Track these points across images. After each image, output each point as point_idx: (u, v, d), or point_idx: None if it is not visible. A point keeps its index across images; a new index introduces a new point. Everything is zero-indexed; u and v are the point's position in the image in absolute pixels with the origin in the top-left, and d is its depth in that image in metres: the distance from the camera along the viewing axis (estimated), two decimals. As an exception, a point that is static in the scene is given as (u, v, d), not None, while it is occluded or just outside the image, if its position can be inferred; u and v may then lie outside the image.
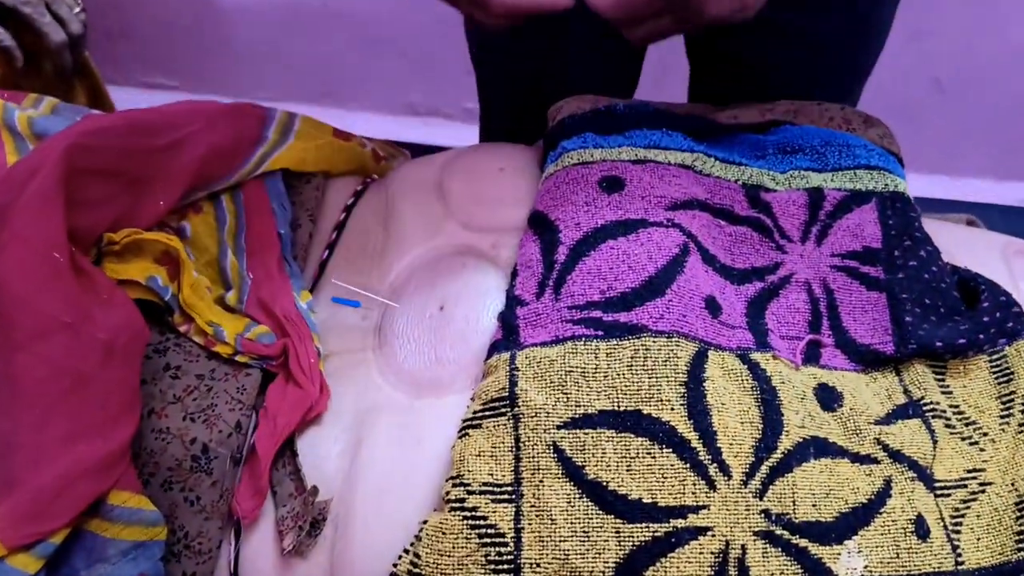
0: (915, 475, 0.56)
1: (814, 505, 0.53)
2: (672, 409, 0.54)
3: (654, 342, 0.55)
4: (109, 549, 0.53)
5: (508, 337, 0.58)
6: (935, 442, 0.58)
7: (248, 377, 0.59)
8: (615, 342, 0.56)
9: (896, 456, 0.56)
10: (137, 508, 0.54)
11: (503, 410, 0.55)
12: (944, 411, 0.60)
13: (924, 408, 0.59)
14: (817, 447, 0.55)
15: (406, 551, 0.53)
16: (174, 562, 0.56)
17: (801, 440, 0.55)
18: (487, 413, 0.55)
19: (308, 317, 0.62)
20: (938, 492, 0.57)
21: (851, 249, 0.64)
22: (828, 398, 0.58)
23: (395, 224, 0.69)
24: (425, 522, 0.53)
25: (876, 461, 0.56)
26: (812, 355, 0.60)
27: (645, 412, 0.53)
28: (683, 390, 0.54)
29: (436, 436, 0.57)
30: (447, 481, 0.54)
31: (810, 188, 0.67)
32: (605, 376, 0.55)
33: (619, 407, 0.54)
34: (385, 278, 0.66)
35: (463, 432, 0.55)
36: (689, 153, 0.66)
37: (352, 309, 0.65)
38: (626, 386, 0.54)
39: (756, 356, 0.58)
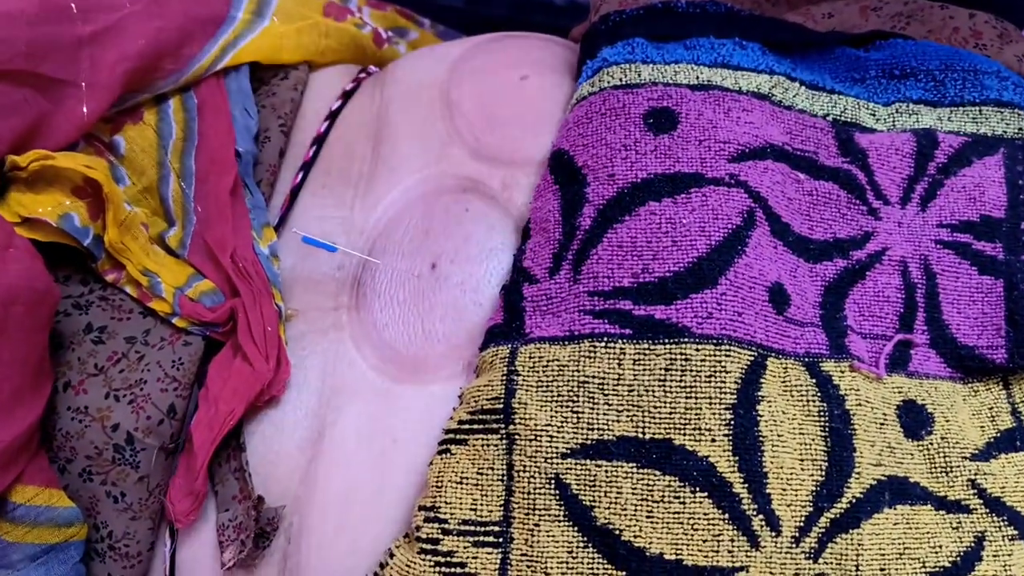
0: (1016, 532, 0.44)
1: (883, 570, 0.42)
2: (713, 440, 0.42)
3: (696, 350, 0.43)
4: (12, 555, 0.44)
5: (510, 323, 0.46)
6: (1047, 486, 0.46)
7: (187, 347, 0.48)
8: (646, 346, 0.43)
9: (993, 504, 0.44)
10: (47, 506, 0.45)
11: (495, 426, 0.43)
12: (1062, 441, 0.47)
13: (1035, 436, 0.47)
14: (895, 491, 0.43)
15: (367, 587, 0.43)
16: (98, 562, 0.47)
17: (875, 483, 0.43)
18: (476, 426, 0.43)
19: (269, 266, 0.50)
20: (1044, 553, 0.45)
21: (965, 218, 0.50)
22: (915, 422, 0.46)
23: (387, 143, 0.55)
24: (391, 555, 0.43)
25: (968, 510, 0.44)
26: (900, 359, 0.47)
27: (677, 443, 0.41)
28: (729, 416, 0.42)
29: (415, 436, 0.46)
30: (419, 511, 0.43)
31: (920, 129, 0.51)
32: (630, 391, 0.42)
33: (643, 434, 0.42)
34: (369, 214, 0.53)
35: (444, 447, 0.44)
36: (768, 76, 0.51)
37: (327, 254, 0.52)
38: (655, 407, 0.42)
39: (828, 367, 0.45)
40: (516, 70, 0.55)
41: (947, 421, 0.46)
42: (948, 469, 0.45)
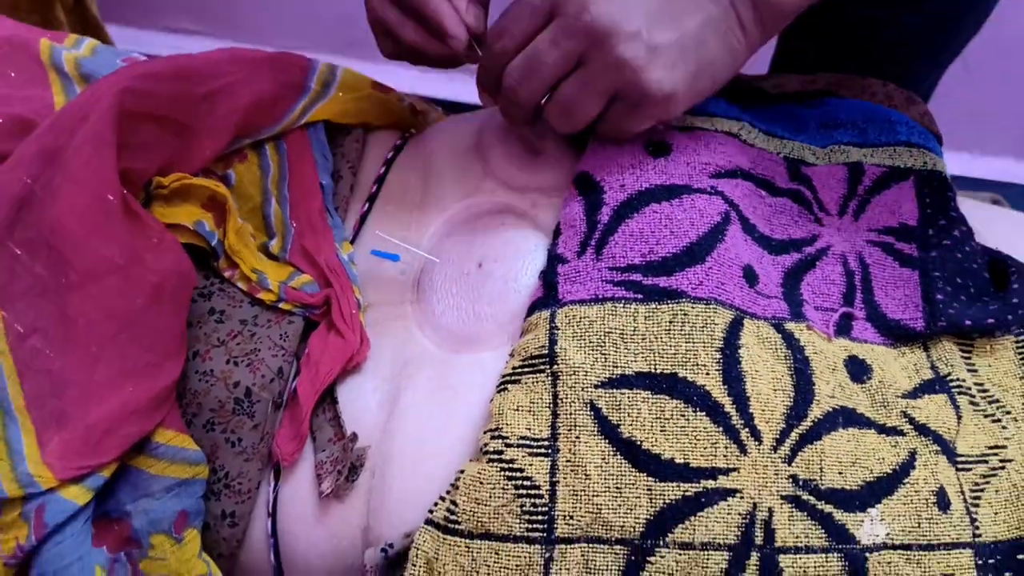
0: (939, 448, 0.57)
1: (840, 473, 0.54)
2: (707, 374, 0.55)
3: (692, 307, 0.56)
4: (154, 485, 0.55)
5: (548, 294, 0.59)
6: (959, 418, 0.59)
7: (291, 325, 0.60)
8: (654, 306, 0.56)
9: (921, 429, 0.57)
10: (181, 447, 0.56)
11: (542, 367, 0.56)
12: (969, 388, 0.61)
13: (950, 384, 0.60)
14: (846, 417, 0.56)
15: (442, 498, 0.54)
16: (214, 500, 0.58)
17: (831, 409, 0.56)
18: (526, 369, 0.56)
19: (349, 268, 0.63)
20: (960, 466, 0.58)
21: (887, 225, 0.65)
22: (858, 370, 0.59)
23: (434, 180, 0.70)
24: (462, 471, 0.55)
25: (902, 433, 0.57)
26: (844, 327, 0.61)
27: (681, 375, 0.54)
28: (719, 356, 0.55)
29: (473, 391, 0.58)
30: (485, 433, 0.55)
31: (850, 163, 0.67)
32: (643, 339, 0.56)
33: (655, 370, 0.55)
34: (424, 232, 0.67)
35: (502, 387, 0.56)
36: (736, 121, 0.67)
37: (391, 262, 0.66)
38: (663, 349, 0.55)
39: (790, 326, 0.58)
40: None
41: (883, 371, 0.59)
42: (885, 403, 0.58)
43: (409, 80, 1.77)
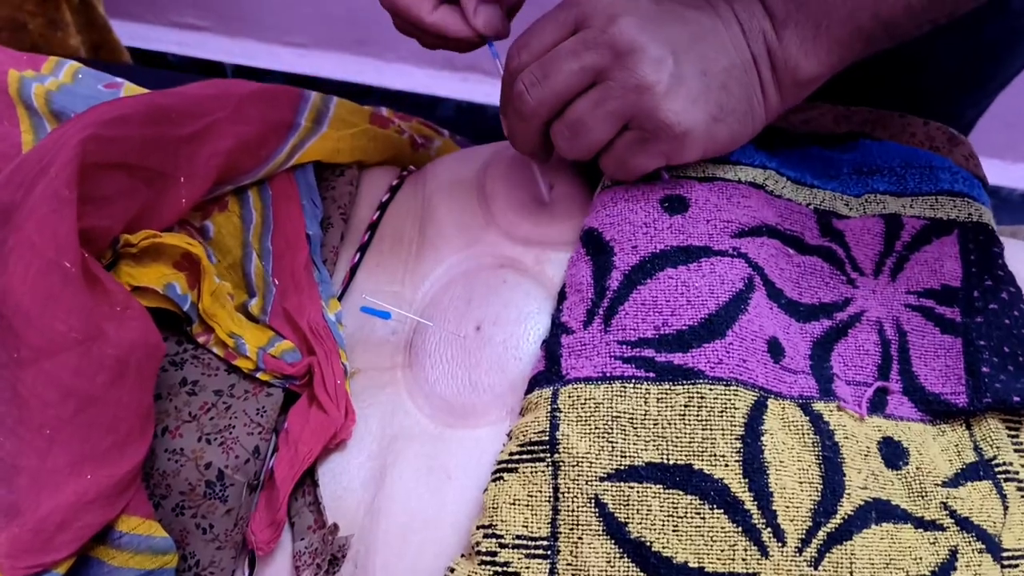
0: (983, 546, 0.51)
1: (873, 576, 0.49)
2: (726, 465, 0.49)
3: (710, 390, 0.51)
4: (116, 578, 0.50)
5: (551, 368, 0.54)
6: (1006, 508, 0.53)
7: (269, 398, 0.55)
8: (667, 386, 0.51)
9: (963, 523, 0.52)
10: (147, 535, 0.51)
11: (542, 455, 0.50)
12: (1017, 473, 0.55)
13: (995, 469, 0.55)
14: (880, 511, 0.51)
15: (430, 603, 0.49)
16: (185, 589, 0.53)
17: (863, 503, 0.50)
18: (525, 456, 0.51)
19: (335, 330, 0.58)
20: (1005, 563, 0.52)
21: (928, 287, 0.59)
22: (893, 454, 0.53)
23: (431, 227, 0.64)
24: (452, 570, 0.49)
25: (942, 528, 0.51)
26: (879, 403, 0.56)
27: (696, 467, 0.49)
28: (739, 444, 0.50)
29: (466, 472, 0.53)
30: (477, 529, 0.50)
31: (887, 215, 0.61)
32: (655, 424, 0.50)
33: (668, 460, 0.49)
34: (418, 287, 0.62)
35: (497, 475, 0.51)
36: (762, 170, 0.61)
37: (382, 321, 0.60)
38: (677, 437, 0.50)
39: (819, 407, 0.53)
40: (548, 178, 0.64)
41: (920, 455, 0.54)
42: (923, 494, 0.52)
43: (424, 80, 1.72)
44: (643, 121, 0.54)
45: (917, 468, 0.53)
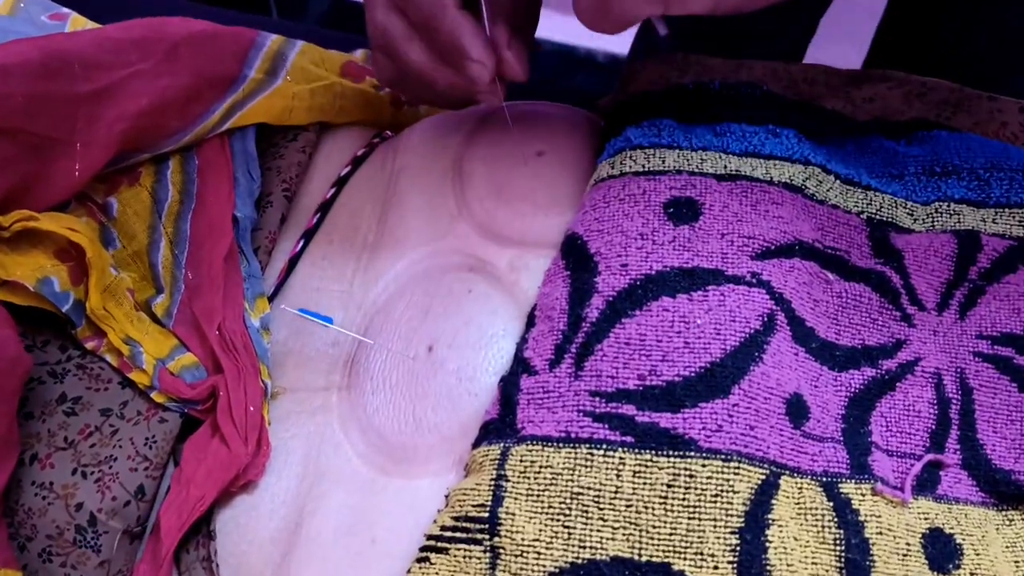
0: None
1: None
2: (715, 568, 0.38)
3: (703, 465, 0.39)
4: (-38, 636, 0.41)
5: (504, 417, 0.42)
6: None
7: (162, 424, 0.45)
8: (648, 457, 0.39)
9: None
10: (4, 587, 0.42)
11: (479, 536, 0.39)
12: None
13: (1079, 575, 0.42)
14: (917, 637, 0.39)
15: None
16: (53, 648, 0.44)
17: (895, 627, 0.39)
18: (458, 535, 0.40)
19: (258, 340, 0.47)
20: None
21: (1008, 330, 0.46)
22: (942, 553, 0.41)
23: (394, 212, 0.53)
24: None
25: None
26: (928, 481, 0.43)
27: (676, 568, 0.38)
28: (735, 541, 0.38)
29: (396, 537, 0.43)
30: (392, 626, 0.39)
31: (962, 231, 0.48)
32: (627, 507, 0.39)
33: (640, 556, 0.38)
34: (371, 288, 0.51)
35: (423, 555, 0.40)
36: (802, 166, 0.47)
37: (322, 328, 0.49)
38: (654, 526, 0.38)
39: (848, 488, 0.41)
40: (532, 144, 0.53)
41: (977, 554, 0.42)
42: (979, 612, 0.40)
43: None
44: None
45: (971, 573, 0.41)
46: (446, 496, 0.42)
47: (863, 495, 0.41)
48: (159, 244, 0.49)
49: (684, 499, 0.38)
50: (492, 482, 0.40)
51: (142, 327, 0.47)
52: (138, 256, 0.49)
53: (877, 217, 0.48)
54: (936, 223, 0.48)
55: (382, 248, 0.52)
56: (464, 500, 0.40)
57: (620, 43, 1.08)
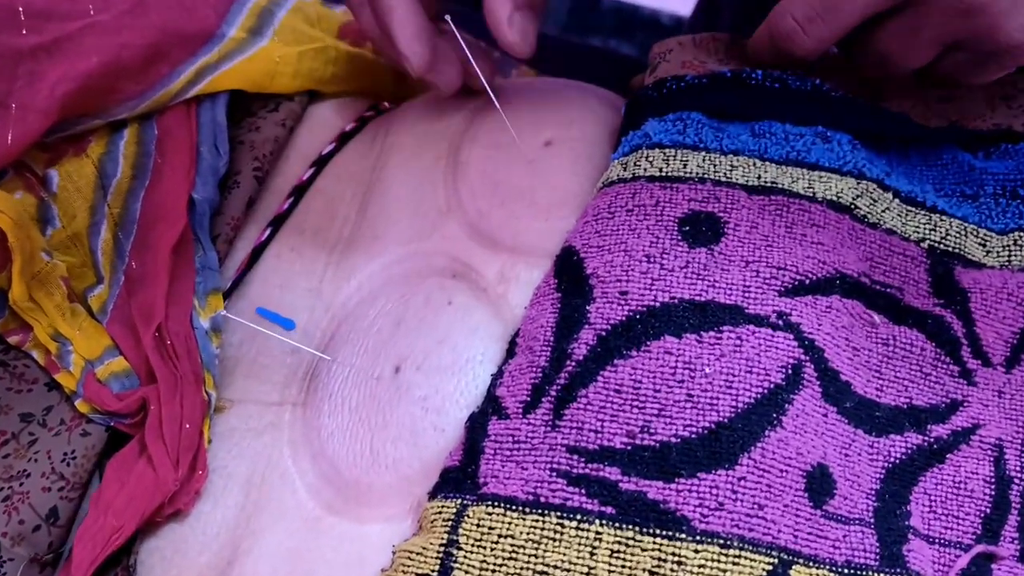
0: None
1: None
2: None
3: (695, 552, 0.32)
4: None
5: (466, 466, 0.36)
6: None
7: (85, 438, 0.39)
8: (630, 535, 0.33)
9: None
10: None
11: (422, 611, 0.33)
12: None
13: None
14: None
15: None
16: None
17: None
18: (399, 606, 0.34)
19: (206, 344, 0.41)
20: None
21: (1090, 397, 0.38)
22: (987, 669, 0.34)
23: (376, 201, 0.46)
24: None
25: None
26: (977, 575, 0.36)
27: (653, 676, 0.31)
28: (728, 647, 0.31)
29: (337, 591, 0.37)
30: None
31: (1044, 270, 0.40)
32: (600, 593, 0.32)
33: (610, 656, 0.31)
34: (340, 289, 0.44)
35: (358, 625, 0.34)
36: (855, 180, 0.39)
37: (283, 331, 0.43)
38: (630, 621, 0.32)
39: (875, 584, 0.34)
40: (541, 132, 0.45)
41: (1032, 673, 0.34)
42: None
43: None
44: (978, 45, 0.41)
45: None
46: (393, 552, 0.36)
47: (893, 594, 0.34)
48: (100, 226, 0.43)
49: (669, 591, 0.32)
50: (442, 548, 0.34)
51: (75, 322, 0.41)
52: (77, 239, 0.43)
53: (941, 247, 0.40)
54: (1014, 258, 0.40)
55: (358, 243, 0.45)
56: (408, 566, 0.34)
57: (688, 4, 0.98)
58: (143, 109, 0.45)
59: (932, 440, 0.37)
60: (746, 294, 0.36)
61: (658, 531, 0.32)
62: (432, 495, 0.36)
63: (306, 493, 0.40)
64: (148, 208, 0.43)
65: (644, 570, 0.32)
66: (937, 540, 0.36)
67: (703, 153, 0.40)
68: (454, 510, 0.34)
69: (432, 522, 0.35)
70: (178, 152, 0.45)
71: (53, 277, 0.41)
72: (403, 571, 0.34)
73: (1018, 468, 0.37)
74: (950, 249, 0.40)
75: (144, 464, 0.38)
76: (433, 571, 0.33)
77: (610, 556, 0.32)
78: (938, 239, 0.40)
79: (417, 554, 0.34)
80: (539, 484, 0.34)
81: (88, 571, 0.37)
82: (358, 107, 0.52)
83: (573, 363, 0.35)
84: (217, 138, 0.46)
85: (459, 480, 0.35)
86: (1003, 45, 0.40)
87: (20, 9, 0.42)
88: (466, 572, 0.33)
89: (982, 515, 0.37)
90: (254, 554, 0.38)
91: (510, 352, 0.38)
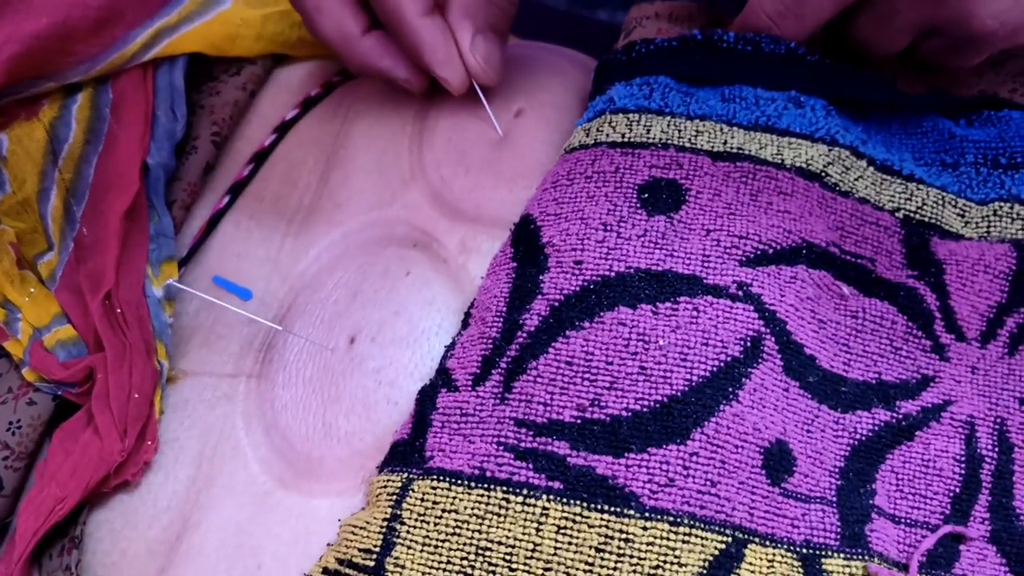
0: None
1: None
2: (646, 661, 0.30)
3: (644, 529, 0.31)
4: None
5: (414, 440, 0.35)
6: None
7: (31, 407, 0.39)
8: (577, 510, 0.31)
9: None
10: None
11: (362, 589, 0.32)
12: None
13: None
14: None
15: None
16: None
17: None
18: (339, 583, 0.33)
19: (158, 312, 0.40)
20: None
21: (1067, 374, 0.36)
22: (952, 653, 0.33)
23: (339, 169, 0.45)
24: None
25: None
26: (943, 557, 0.35)
27: (598, 656, 0.30)
28: (677, 627, 0.30)
29: (283, 567, 0.36)
30: None
31: (1021, 241, 0.38)
32: (546, 571, 0.31)
33: (555, 635, 0.30)
34: (299, 259, 0.43)
35: (299, 601, 0.33)
36: (826, 146, 0.38)
37: (239, 301, 0.42)
38: (575, 600, 0.31)
39: (833, 565, 0.32)
40: (512, 101, 0.44)
41: (999, 658, 0.33)
42: None
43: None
44: (954, 30, 0.40)
45: None
46: (339, 527, 0.35)
47: (852, 574, 0.32)
48: (50, 192, 0.42)
49: (615, 569, 0.31)
50: (385, 522, 0.33)
51: (24, 288, 0.40)
52: (27, 204, 0.42)
53: (917, 216, 0.38)
54: (993, 229, 0.39)
55: (319, 211, 0.44)
56: (352, 540, 0.33)
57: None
58: (98, 72, 0.44)
59: (901, 417, 0.36)
60: (705, 264, 0.35)
61: (606, 507, 0.31)
62: (380, 469, 0.35)
63: (258, 466, 0.39)
64: (101, 173, 0.42)
65: (591, 547, 0.31)
66: (903, 520, 0.35)
67: (668, 118, 0.38)
68: (399, 484, 0.33)
69: (377, 496, 0.34)
70: (133, 116, 0.44)
71: (2, 243, 0.40)
72: (346, 546, 0.33)
73: (990, 446, 0.36)
74: (926, 219, 0.38)
75: (90, 434, 0.38)
76: (375, 546, 0.32)
77: (556, 532, 0.31)
78: (914, 208, 0.38)
79: (360, 528, 0.33)
80: (485, 458, 0.33)
81: (32, 541, 0.36)
82: (326, 71, 0.50)
83: (524, 334, 0.34)
84: (174, 102, 0.45)
85: (406, 454, 0.34)
86: (977, 32, 0.40)
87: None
88: (408, 547, 0.32)
89: (951, 494, 0.35)
90: (202, 528, 0.37)
91: (464, 324, 0.37)
